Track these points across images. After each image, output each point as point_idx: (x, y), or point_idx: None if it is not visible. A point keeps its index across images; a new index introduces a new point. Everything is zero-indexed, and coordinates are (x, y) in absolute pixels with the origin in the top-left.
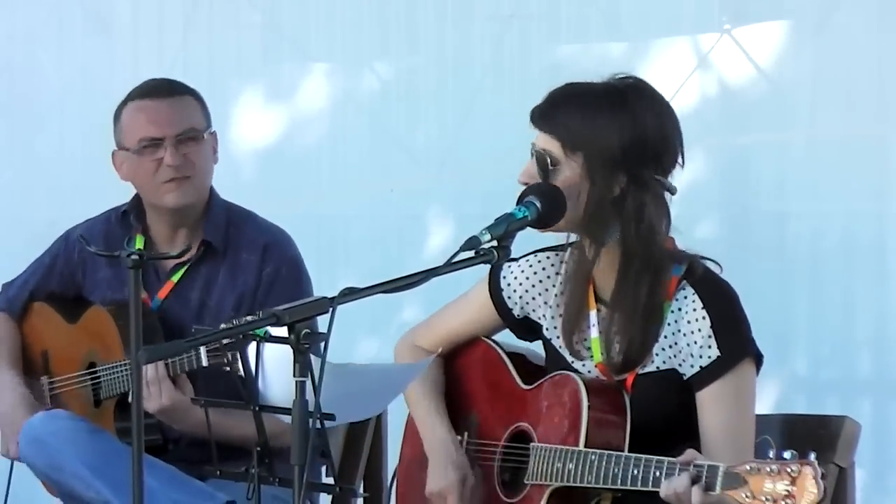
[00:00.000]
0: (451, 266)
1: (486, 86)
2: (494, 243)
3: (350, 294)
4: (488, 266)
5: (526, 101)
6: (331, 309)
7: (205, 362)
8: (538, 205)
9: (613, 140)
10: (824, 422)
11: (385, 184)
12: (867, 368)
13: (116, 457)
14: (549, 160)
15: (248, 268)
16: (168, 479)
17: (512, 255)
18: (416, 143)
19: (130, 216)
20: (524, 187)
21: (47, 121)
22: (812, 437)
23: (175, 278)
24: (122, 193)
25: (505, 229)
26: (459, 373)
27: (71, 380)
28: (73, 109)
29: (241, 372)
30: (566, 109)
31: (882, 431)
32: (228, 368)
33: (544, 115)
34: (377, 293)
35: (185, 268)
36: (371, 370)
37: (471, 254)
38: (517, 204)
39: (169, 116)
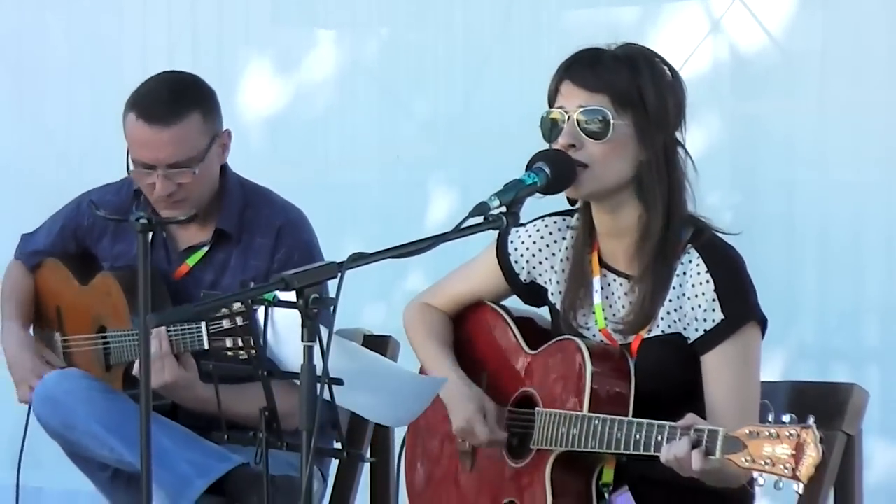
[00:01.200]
0: (459, 232)
1: (494, 53)
2: (503, 209)
3: (359, 259)
4: (496, 232)
5: (535, 68)
6: (339, 274)
7: (206, 345)
8: (547, 171)
9: (662, 99)
10: (832, 389)
11: (392, 151)
12: (875, 336)
13: (131, 415)
14: (605, 115)
15: (262, 251)
16: (182, 439)
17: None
18: (424, 110)
19: (142, 196)
20: (534, 154)
21: (56, 86)
22: (820, 405)
23: (191, 262)
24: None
25: (514, 195)
26: (466, 337)
27: (83, 341)
28: (82, 75)
29: (244, 355)
30: (612, 67)
31: (890, 399)
32: (231, 353)
33: (589, 73)
34: (386, 258)
35: (202, 254)
36: (393, 371)
37: (480, 220)
38: (526, 170)
39: (162, 147)
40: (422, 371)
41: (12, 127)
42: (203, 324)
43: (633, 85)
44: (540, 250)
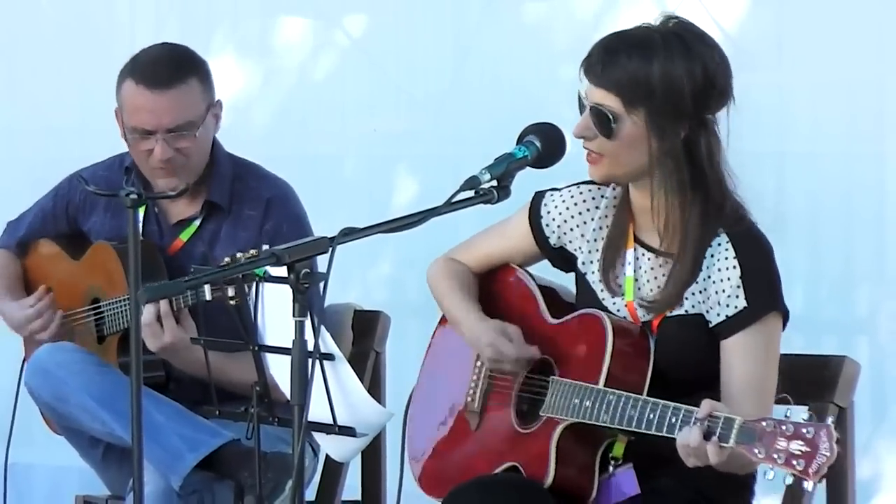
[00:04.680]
0: (450, 206)
1: (483, 28)
2: (494, 183)
3: (349, 234)
4: (489, 203)
5: (521, 48)
6: (330, 249)
7: (208, 296)
8: (538, 144)
9: (680, 89)
10: (824, 362)
11: (372, 124)
12: (865, 308)
13: (123, 390)
14: (609, 117)
15: (251, 223)
16: (174, 414)
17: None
18: (410, 84)
19: (133, 172)
20: (525, 127)
21: (45, 62)
22: (812, 378)
23: (184, 237)
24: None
25: (505, 169)
26: (490, 298)
27: (74, 316)
28: (70, 49)
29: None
30: (624, 62)
31: (879, 371)
32: (233, 302)
33: (599, 70)
34: (376, 233)
35: (195, 228)
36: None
37: (470, 194)
38: (517, 144)
39: (164, 110)
40: (442, 321)
41: (1, 102)
42: None
43: (644, 79)
44: (572, 217)
